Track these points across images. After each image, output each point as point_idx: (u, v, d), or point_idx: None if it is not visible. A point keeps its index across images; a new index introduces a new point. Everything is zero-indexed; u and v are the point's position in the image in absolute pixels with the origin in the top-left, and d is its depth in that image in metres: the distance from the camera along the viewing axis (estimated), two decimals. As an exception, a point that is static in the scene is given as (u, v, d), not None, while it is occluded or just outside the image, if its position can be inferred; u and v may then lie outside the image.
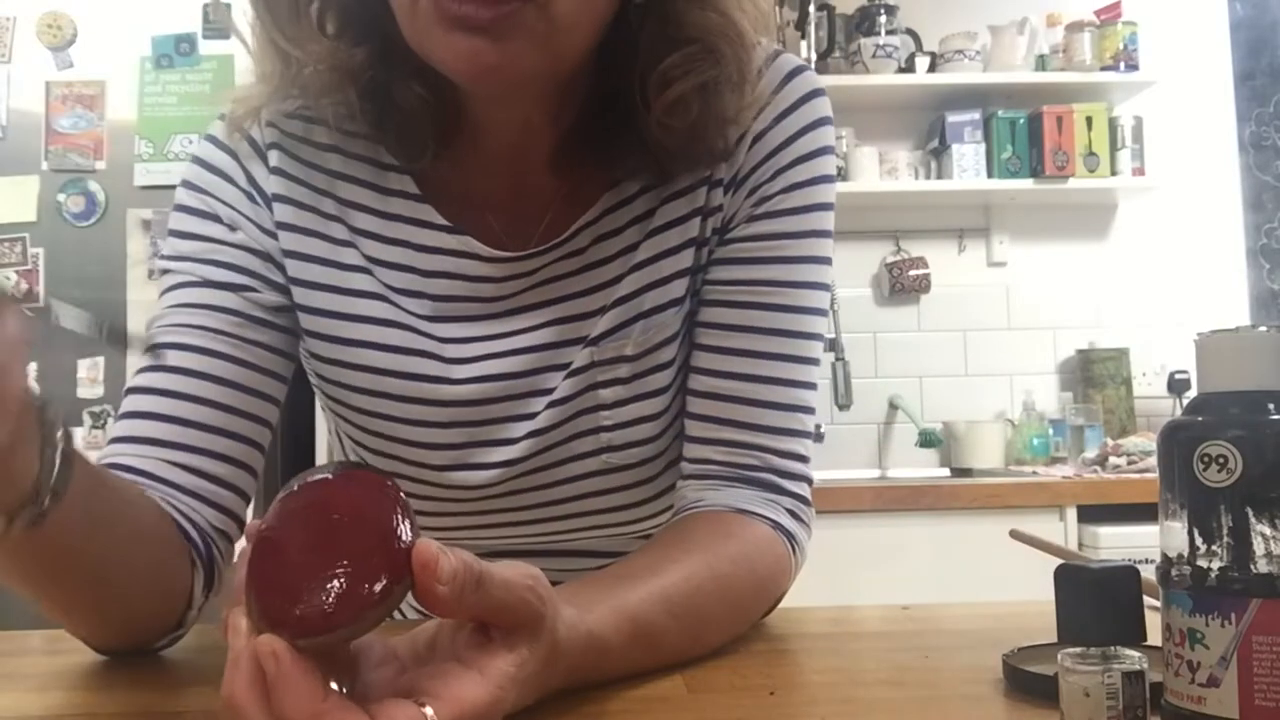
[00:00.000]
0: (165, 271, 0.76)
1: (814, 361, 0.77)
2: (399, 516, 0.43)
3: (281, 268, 0.75)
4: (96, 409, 2.26)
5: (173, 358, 0.72)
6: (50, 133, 2.31)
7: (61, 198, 2.29)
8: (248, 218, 0.75)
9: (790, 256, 0.76)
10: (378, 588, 0.41)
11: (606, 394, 0.76)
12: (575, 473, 0.78)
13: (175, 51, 2.32)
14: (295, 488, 0.45)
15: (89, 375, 2.27)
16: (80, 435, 2.26)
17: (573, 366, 0.76)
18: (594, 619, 0.55)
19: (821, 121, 0.77)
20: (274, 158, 0.76)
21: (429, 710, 0.42)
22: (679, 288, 0.76)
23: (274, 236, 0.75)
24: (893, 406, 3.05)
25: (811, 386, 0.77)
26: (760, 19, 0.71)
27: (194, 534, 0.70)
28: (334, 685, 0.42)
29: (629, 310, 0.76)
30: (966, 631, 0.74)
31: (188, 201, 0.76)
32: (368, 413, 0.77)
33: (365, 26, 0.69)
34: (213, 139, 0.77)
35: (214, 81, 2.31)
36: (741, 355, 0.75)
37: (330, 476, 0.45)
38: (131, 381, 0.74)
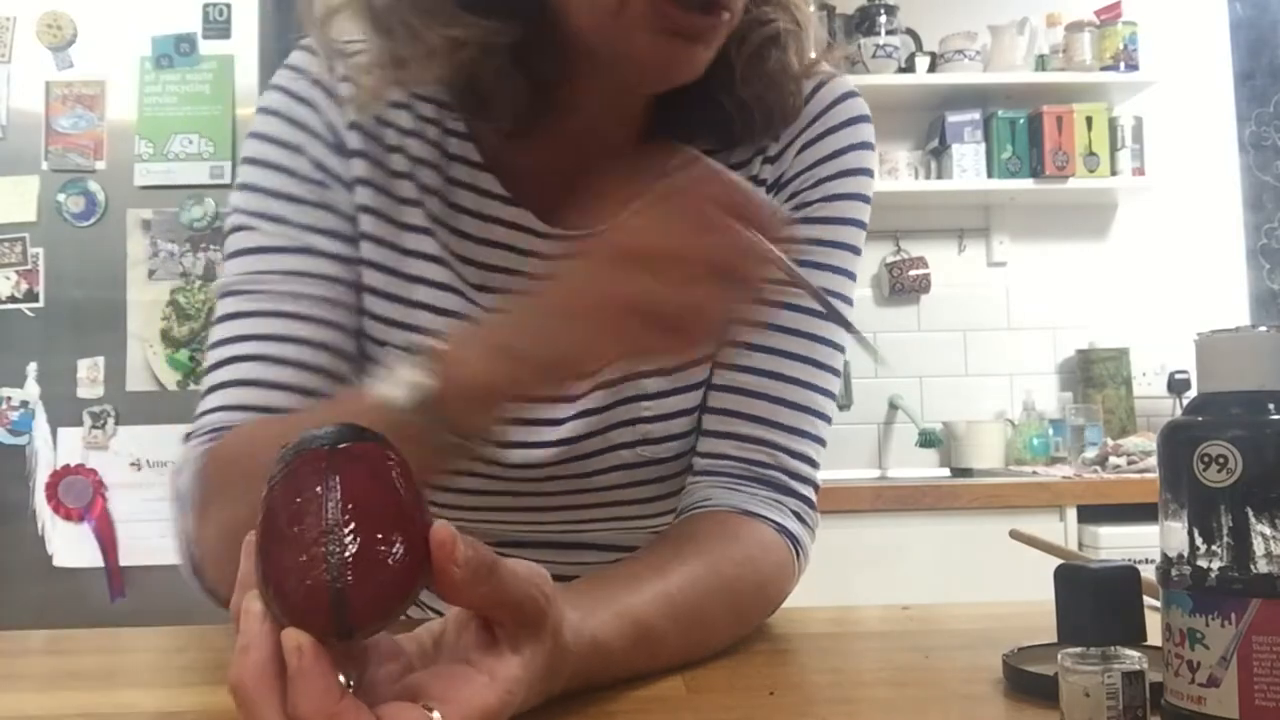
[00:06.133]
0: (243, 228, 0.73)
1: (834, 371, 0.78)
2: (409, 494, 0.42)
3: (356, 223, 0.74)
4: (96, 409, 2.26)
5: (297, 328, 0.71)
6: (50, 133, 2.31)
7: (61, 198, 2.29)
8: (337, 176, 0.74)
9: (821, 264, 0.77)
10: (407, 581, 0.40)
11: (649, 383, 0.77)
12: (611, 463, 0.78)
13: (175, 51, 2.32)
14: (292, 464, 0.42)
15: (89, 375, 2.27)
16: (79, 435, 2.26)
17: None
18: (597, 624, 0.55)
19: (866, 144, 0.80)
20: (349, 111, 0.74)
21: (436, 715, 0.42)
22: None
23: (352, 191, 0.74)
24: (893, 406, 3.05)
25: (829, 395, 0.78)
26: None
27: None
28: (341, 678, 0.41)
29: None
30: (966, 631, 0.74)
31: (274, 158, 0.73)
32: None
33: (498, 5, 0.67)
34: (286, 90, 0.75)
35: (214, 81, 2.31)
36: (765, 352, 0.76)
37: (328, 449, 0.42)
38: (237, 348, 0.71)
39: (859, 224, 0.79)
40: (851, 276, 0.79)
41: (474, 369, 0.55)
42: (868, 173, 0.80)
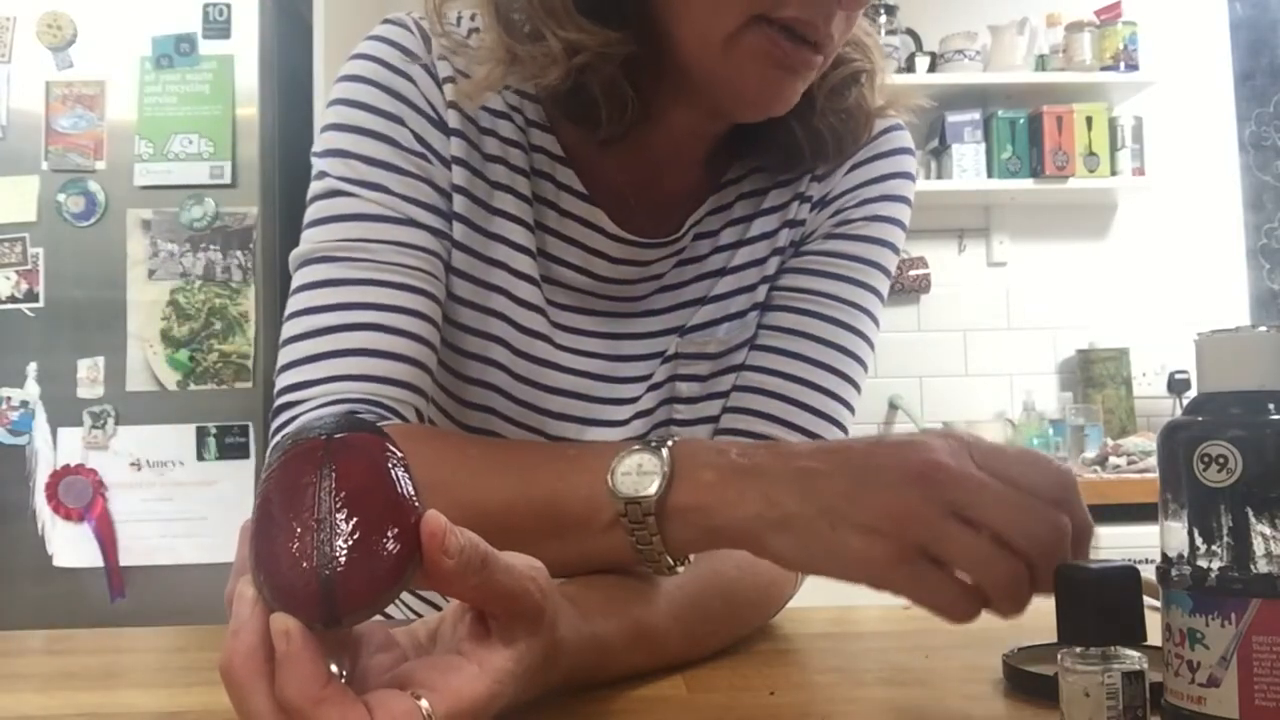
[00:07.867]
0: (338, 193, 0.71)
1: (855, 384, 0.80)
2: (405, 486, 0.42)
3: (450, 201, 0.74)
4: (96, 409, 2.26)
5: (404, 299, 0.70)
6: (50, 133, 2.31)
7: (61, 198, 2.29)
8: (436, 151, 0.74)
9: (854, 279, 0.80)
10: (396, 570, 0.40)
11: (683, 387, 0.80)
12: None
13: (175, 51, 2.32)
14: (290, 451, 0.43)
15: (89, 375, 2.27)
16: (79, 435, 2.26)
17: (666, 354, 0.80)
18: (596, 621, 0.55)
19: (910, 175, 0.84)
20: (449, 91, 0.74)
21: (424, 702, 0.42)
22: (762, 293, 0.81)
23: (449, 169, 0.74)
24: (893, 406, 3.05)
25: (848, 405, 0.79)
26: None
27: None
28: (334, 668, 0.41)
29: (718, 310, 0.80)
30: (966, 631, 0.73)
31: (372, 126, 0.72)
32: (477, 379, 0.77)
33: (612, 14, 0.68)
34: (379, 60, 0.74)
35: (214, 81, 2.31)
36: (791, 357, 0.78)
37: (325, 439, 0.43)
38: (344, 316, 0.69)
39: (894, 249, 0.82)
40: (881, 297, 0.81)
41: (721, 496, 0.54)
42: (908, 202, 0.83)
